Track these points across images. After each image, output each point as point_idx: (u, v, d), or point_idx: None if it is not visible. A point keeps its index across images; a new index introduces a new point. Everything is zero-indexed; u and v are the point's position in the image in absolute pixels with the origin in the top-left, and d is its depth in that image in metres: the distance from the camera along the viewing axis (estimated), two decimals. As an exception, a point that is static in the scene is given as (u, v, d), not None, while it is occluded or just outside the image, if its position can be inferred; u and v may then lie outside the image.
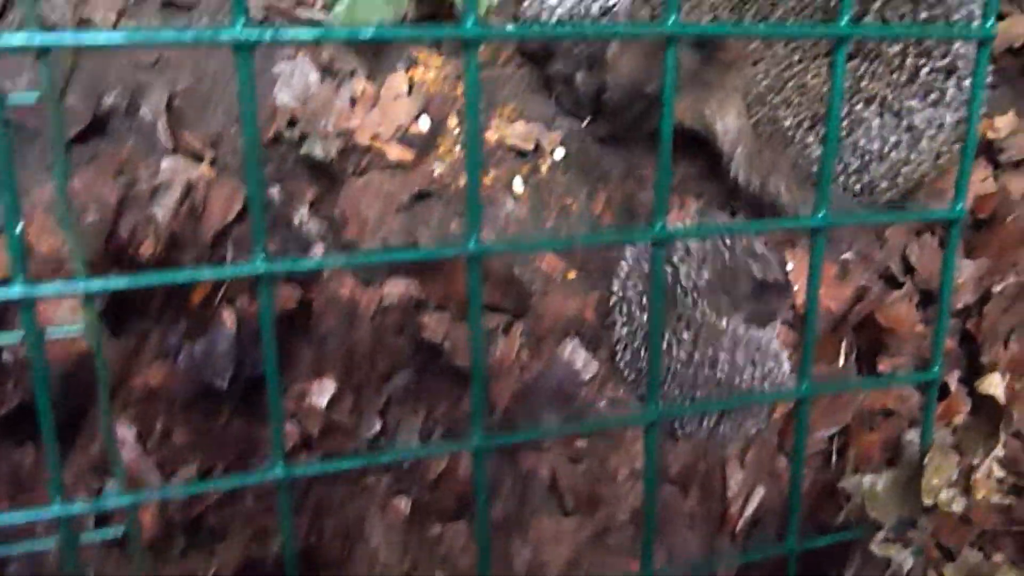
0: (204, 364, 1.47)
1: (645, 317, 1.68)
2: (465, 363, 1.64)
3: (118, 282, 0.92)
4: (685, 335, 1.67)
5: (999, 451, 1.39)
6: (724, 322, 1.70)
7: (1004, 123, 2.23)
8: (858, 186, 1.83)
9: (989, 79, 1.87)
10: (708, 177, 2.01)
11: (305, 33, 0.89)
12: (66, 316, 1.34)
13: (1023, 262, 2.07)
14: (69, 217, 0.95)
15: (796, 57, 1.72)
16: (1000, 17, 2.36)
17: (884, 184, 1.83)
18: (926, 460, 1.32)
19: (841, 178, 1.82)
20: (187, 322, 1.50)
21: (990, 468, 1.38)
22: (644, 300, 1.70)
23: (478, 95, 0.99)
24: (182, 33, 0.79)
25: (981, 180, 2.13)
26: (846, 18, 1.13)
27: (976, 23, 1.81)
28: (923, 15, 1.70)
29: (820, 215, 1.21)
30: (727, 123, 1.83)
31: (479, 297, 0.98)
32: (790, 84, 1.74)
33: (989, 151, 2.20)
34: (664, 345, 1.67)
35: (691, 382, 1.69)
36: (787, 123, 1.78)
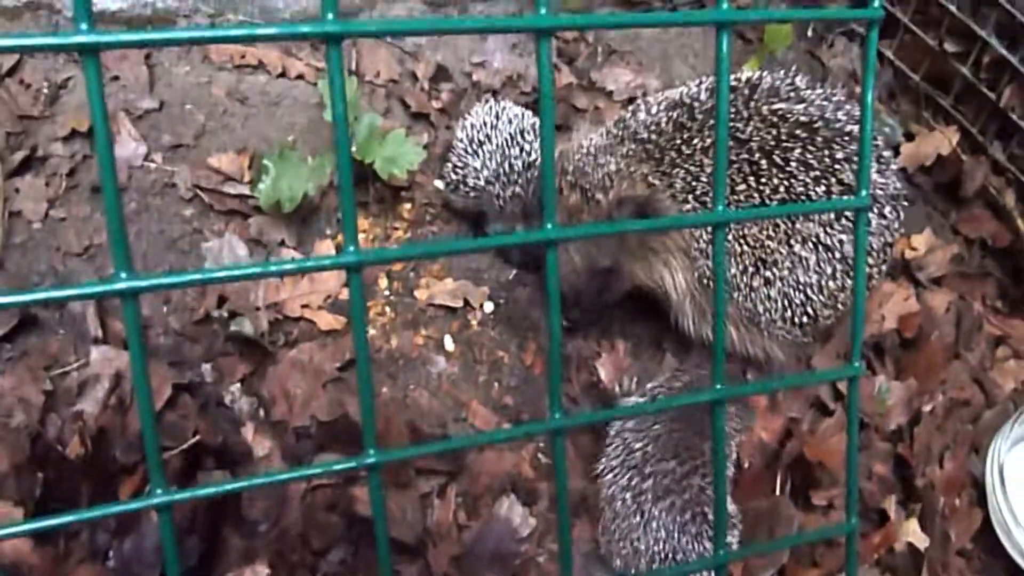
0: (134, 561, 1.47)
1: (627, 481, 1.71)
2: (402, 533, 1.65)
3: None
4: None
5: (922, 597, 1.40)
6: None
7: (921, 241, 2.30)
8: (804, 317, 1.89)
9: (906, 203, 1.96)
10: (638, 318, 2.06)
11: (167, 278, 0.93)
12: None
13: (951, 379, 2.12)
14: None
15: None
16: (910, 137, 2.47)
17: (826, 312, 1.90)
18: (848, 616, 1.33)
19: (788, 312, 1.89)
20: (115, 520, 1.50)
21: (915, 615, 1.39)
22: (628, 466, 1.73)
23: (364, 315, 1.03)
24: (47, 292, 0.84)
25: (904, 299, 2.19)
26: (720, 206, 1.19)
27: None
28: (839, 155, 1.79)
29: (717, 387, 1.24)
30: (677, 280, 1.91)
31: (383, 517, 1.00)
32: (730, 236, 1.82)
33: (908, 270, 2.27)
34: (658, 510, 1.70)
35: (676, 544, 1.69)
36: (732, 271, 1.85)
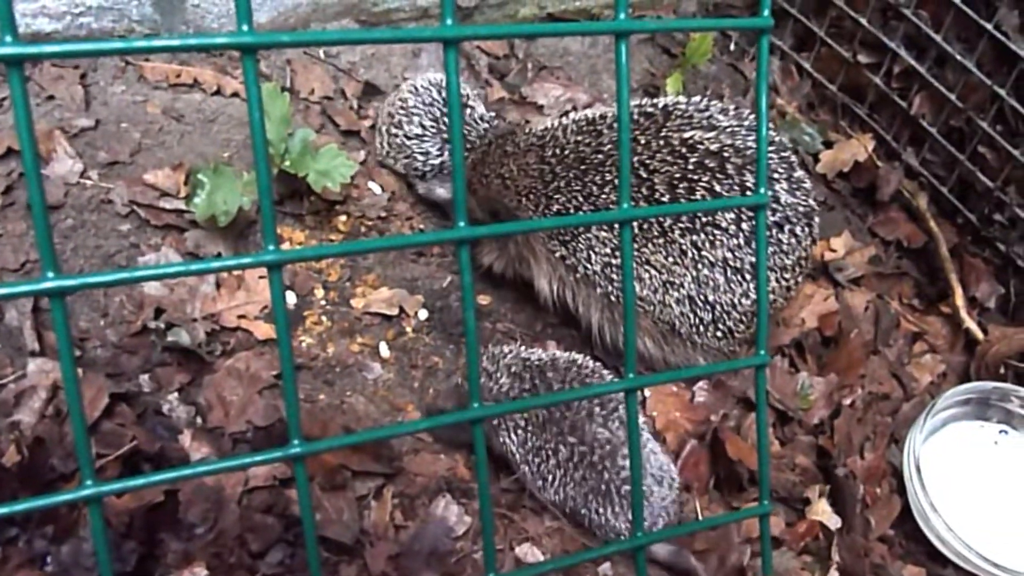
0: (72, 566, 1.50)
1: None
2: (338, 534, 1.69)
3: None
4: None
5: (833, 573, 1.47)
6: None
7: (840, 244, 2.40)
8: (719, 333, 1.96)
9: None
10: (569, 322, 2.13)
11: (94, 277, 0.98)
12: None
13: (870, 374, 2.22)
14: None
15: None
16: (829, 145, 2.57)
17: (742, 327, 1.97)
18: (762, 592, 1.40)
19: (700, 328, 1.96)
20: (54, 525, 1.53)
21: (828, 591, 1.46)
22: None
23: (285, 309, 1.08)
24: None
25: (824, 299, 2.28)
26: (625, 204, 1.25)
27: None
28: (750, 182, 1.86)
29: (630, 376, 1.30)
30: (543, 289, 2.06)
31: (309, 509, 1.04)
32: (634, 264, 1.90)
33: (827, 272, 2.36)
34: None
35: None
36: (644, 293, 1.93)
